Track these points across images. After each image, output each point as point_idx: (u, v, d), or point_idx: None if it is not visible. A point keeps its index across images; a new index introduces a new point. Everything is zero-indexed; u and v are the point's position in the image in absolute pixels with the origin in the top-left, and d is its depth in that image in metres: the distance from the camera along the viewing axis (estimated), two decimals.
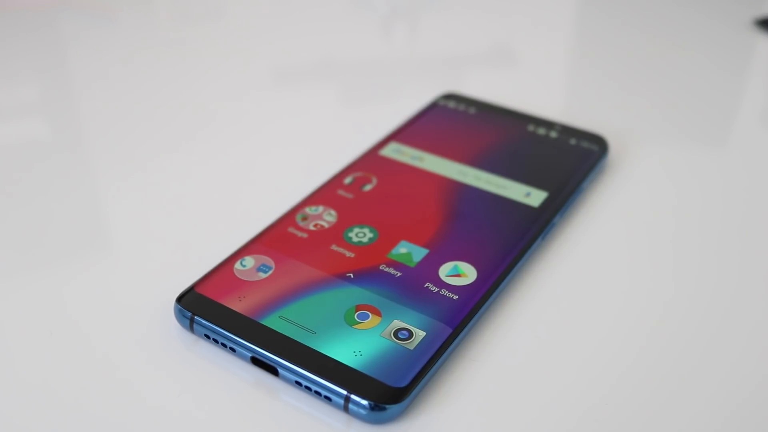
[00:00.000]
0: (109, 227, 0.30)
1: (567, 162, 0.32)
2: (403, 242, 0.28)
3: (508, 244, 0.27)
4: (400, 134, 0.34)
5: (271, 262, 0.26)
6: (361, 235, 0.28)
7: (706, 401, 0.23)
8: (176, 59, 0.43)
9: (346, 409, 0.22)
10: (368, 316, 0.24)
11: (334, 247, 0.27)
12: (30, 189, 0.32)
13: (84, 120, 0.38)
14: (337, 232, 0.28)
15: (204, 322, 0.24)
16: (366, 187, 0.31)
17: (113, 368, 0.24)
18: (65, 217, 0.31)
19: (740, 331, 0.26)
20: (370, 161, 0.32)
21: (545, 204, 0.30)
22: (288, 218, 0.29)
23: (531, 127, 0.35)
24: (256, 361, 0.24)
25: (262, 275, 0.26)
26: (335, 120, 0.38)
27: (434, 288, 0.26)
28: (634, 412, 0.23)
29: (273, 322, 0.24)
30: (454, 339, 0.24)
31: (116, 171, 0.34)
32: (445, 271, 0.26)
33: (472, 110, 0.36)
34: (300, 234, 0.28)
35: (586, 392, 0.23)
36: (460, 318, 0.24)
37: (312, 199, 0.30)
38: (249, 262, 0.26)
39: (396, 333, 0.24)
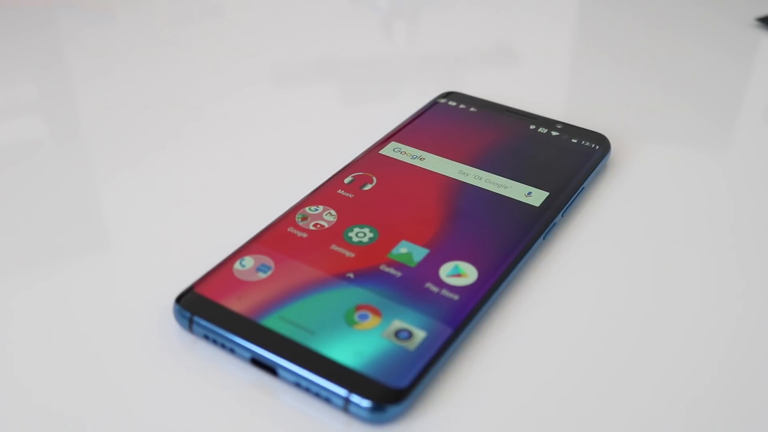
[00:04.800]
0: (108, 226, 0.30)
1: (568, 161, 0.32)
2: (403, 242, 0.27)
3: (509, 244, 0.27)
4: (401, 133, 0.34)
5: (270, 262, 0.26)
6: (361, 234, 0.28)
7: (709, 401, 0.23)
8: (175, 57, 0.43)
9: (346, 409, 0.22)
10: (368, 317, 0.24)
11: (334, 247, 0.27)
12: (27, 187, 0.32)
13: (82, 118, 0.38)
14: (337, 232, 0.28)
15: (203, 322, 0.24)
16: (366, 186, 0.30)
17: (112, 369, 0.24)
18: (63, 216, 0.31)
19: (743, 330, 0.26)
20: (370, 160, 0.32)
21: (546, 203, 0.29)
22: (288, 218, 0.29)
23: (532, 126, 0.35)
24: (256, 362, 0.23)
25: (262, 275, 0.26)
26: (335, 119, 0.38)
27: (435, 288, 0.25)
28: (636, 412, 0.23)
29: (272, 322, 0.24)
30: (455, 339, 0.24)
31: (115, 170, 0.33)
32: (445, 271, 0.26)
33: (472, 109, 0.36)
34: (300, 234, 0.28)
35: (587, 392, 0.23)
36: (460, 318, 0.24)
37: (312, 198, 0.30)
38: (248, 262, 0.26)
39: (396, 333, 0.24)
